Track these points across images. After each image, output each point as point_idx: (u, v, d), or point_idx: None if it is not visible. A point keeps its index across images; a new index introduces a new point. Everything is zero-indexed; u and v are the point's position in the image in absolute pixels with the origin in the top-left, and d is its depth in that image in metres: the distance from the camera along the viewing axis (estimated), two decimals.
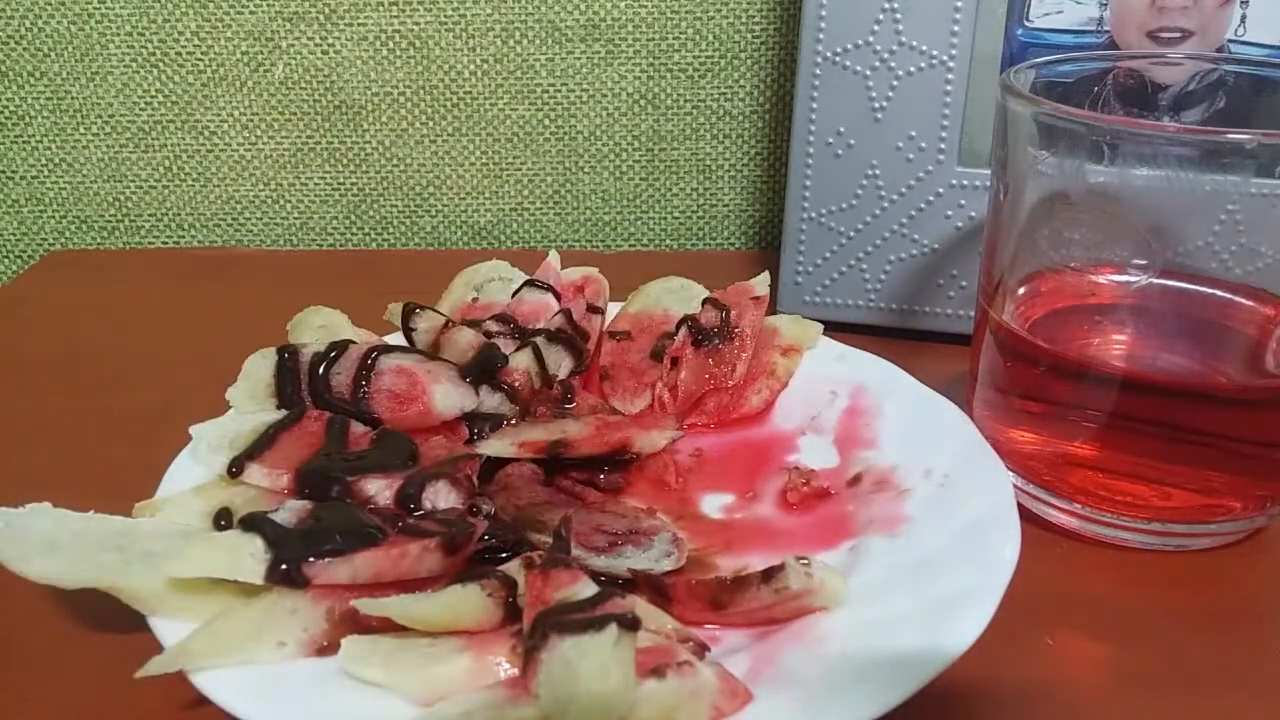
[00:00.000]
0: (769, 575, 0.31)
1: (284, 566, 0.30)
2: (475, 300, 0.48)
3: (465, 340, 0.43)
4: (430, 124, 0.66)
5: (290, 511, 0.33)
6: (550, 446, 0.39)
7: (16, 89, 0.65)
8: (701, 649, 0.30)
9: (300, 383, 0.39)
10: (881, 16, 0.48)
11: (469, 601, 0.30)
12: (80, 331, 0.57)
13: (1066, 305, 0.39)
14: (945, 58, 0.48)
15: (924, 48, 0.48)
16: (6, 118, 0.66)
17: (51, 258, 0.68)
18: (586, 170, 0.67)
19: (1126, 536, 0.37)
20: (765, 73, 0.64)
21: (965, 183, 0.50)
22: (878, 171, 0.51)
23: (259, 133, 0.66)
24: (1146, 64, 0.43)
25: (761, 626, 0.31)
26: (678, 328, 0.45)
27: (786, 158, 0.53)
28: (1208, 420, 0.36)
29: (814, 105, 0.51)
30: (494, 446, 0.39)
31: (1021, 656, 0.33)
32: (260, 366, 0.40)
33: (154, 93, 0.65)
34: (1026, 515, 0.36)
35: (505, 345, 0.43)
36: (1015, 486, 0.36)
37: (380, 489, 0.35)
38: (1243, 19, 0.46)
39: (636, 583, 0.33)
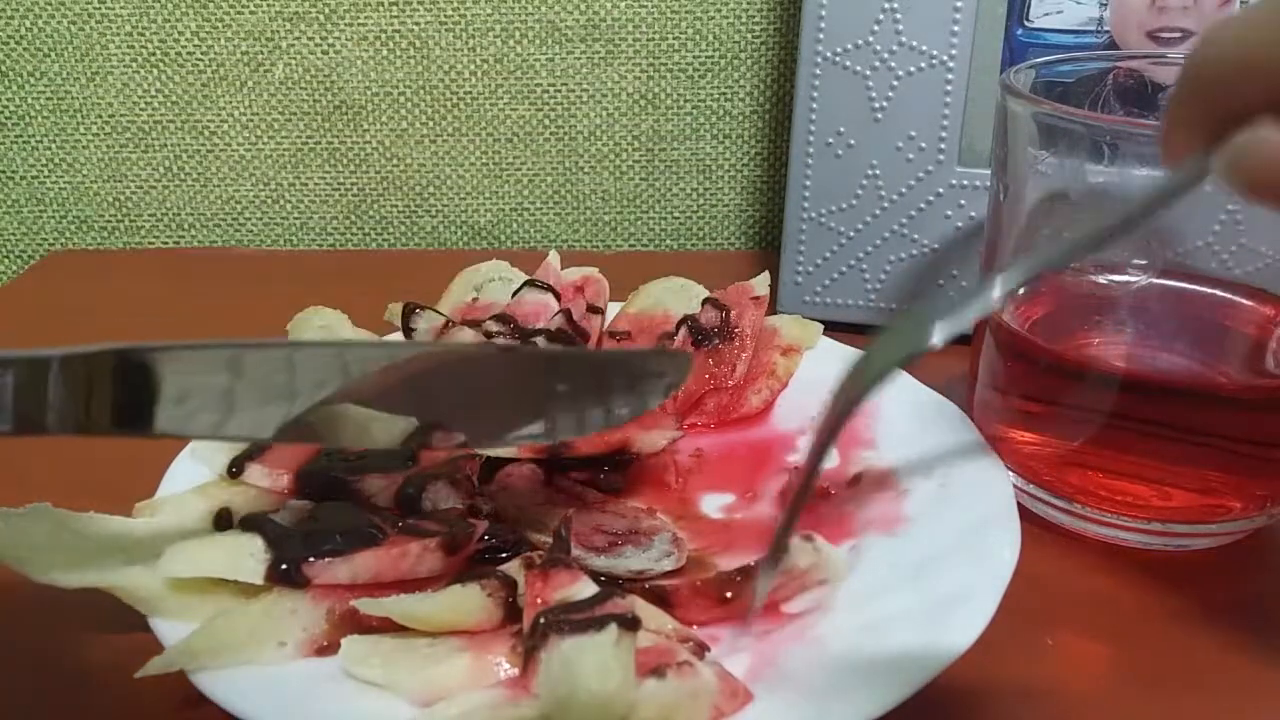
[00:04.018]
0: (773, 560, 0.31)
1: (284, 566, 0.30)
2: (475, 300, 0.48)
3: (465, 340, 0.43)
4: (430, 124, 0.66)
5: (290, 511, 0.33)
6: (550, 446, 0.39)
7: (16, 89, 0.65)
8: (701, 649, 0.30)
9: None
10: (881, 16, 0.48)
11: (469, 601, 0.30)
12: (80, 331, 0.57)
13: (1066, 305, 0.40)
14: (945, 58, 0.48)
15: (924, 48, 0.48)
16: (6, 118, 0.66)
17: (51, 258, 0.68)
18: (586, 170, 0.67)
19: (1126, 536, 0.37)
20: (765, 73, 0.64)
21: (965, 183, 0.50)
22: (878, 171, 0.51)
23: (259, 133, 0.66)
24: (1146, 64, 0.43)
25: (766, 616, 0.31)
26: (678, 328, 0.45)
27: (786, 158, 0.53)
28: (1208, 420, 0.36)
29: (814, 105, 0.51)
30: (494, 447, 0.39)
31: (1021, 656, 0.33)
32: None
33: (154, 93, 0.65)
34: (1026, 515, 0.36)
35: None
36: (1015, 486, 0.36)
37: (380, 489, 0.35)
38: None
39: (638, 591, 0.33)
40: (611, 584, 0.32)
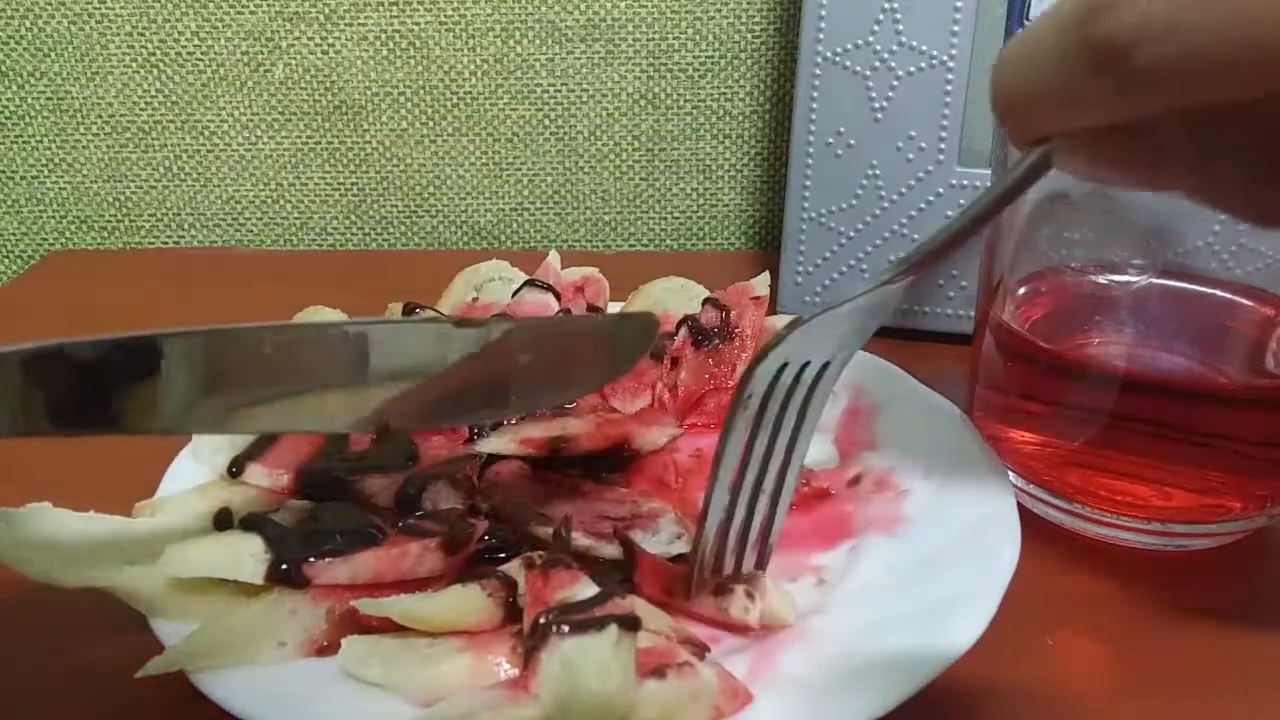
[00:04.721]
0: (719, 590, 0.31)
1: (284, 566, 0.30)
2: (475, 300, 0.48)
3: None
4: (430, 124, 0.66)
5: (290, 511, 0.33)
6: (551, 443, 0.39)
7: (16, 89, 0.65)
8: (701, 649, 0.30)
9: None
10: (881, 16, 0.48)
11: (469, 601, 0.30)
12: (80, 331, 0.56)
13: (1066, 305, 0.39)
14: (945, 58, 0.48)
15: (924, 48, 0.48)
16: (6, 118, 0.66)
17: (51, 258, 0.68)
18: (586, 170, 0.67)
19: (1126, 536, 0.37)
20: (765, 73, 0.64)
21: (965, 183, 0.50)
22: (878, 171, 0.51)
23: (259, 133, 0.66)
24: None
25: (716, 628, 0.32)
26: (678, 328, 0.45)
27: (786, 158, 0.53)
28: (1208, 420, 0.36)
29: (814, 105, 0.51)
30: (495, 444, 0.39)
31: (1021, 656, 0.33)
32: None
33: (154, 93, 0.65)
34: (1026, 515, 0.36)
35: None
36: (1015, 486, 0.36)
37: (380, 489, 0.35)
38: None
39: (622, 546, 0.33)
40: (618, 569, 0.32)
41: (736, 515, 0.31)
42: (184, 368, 0.28)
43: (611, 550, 0.33)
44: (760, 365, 0.28)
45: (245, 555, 0.30)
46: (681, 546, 0.34)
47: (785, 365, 0.29)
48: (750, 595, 0.31)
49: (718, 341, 0.44)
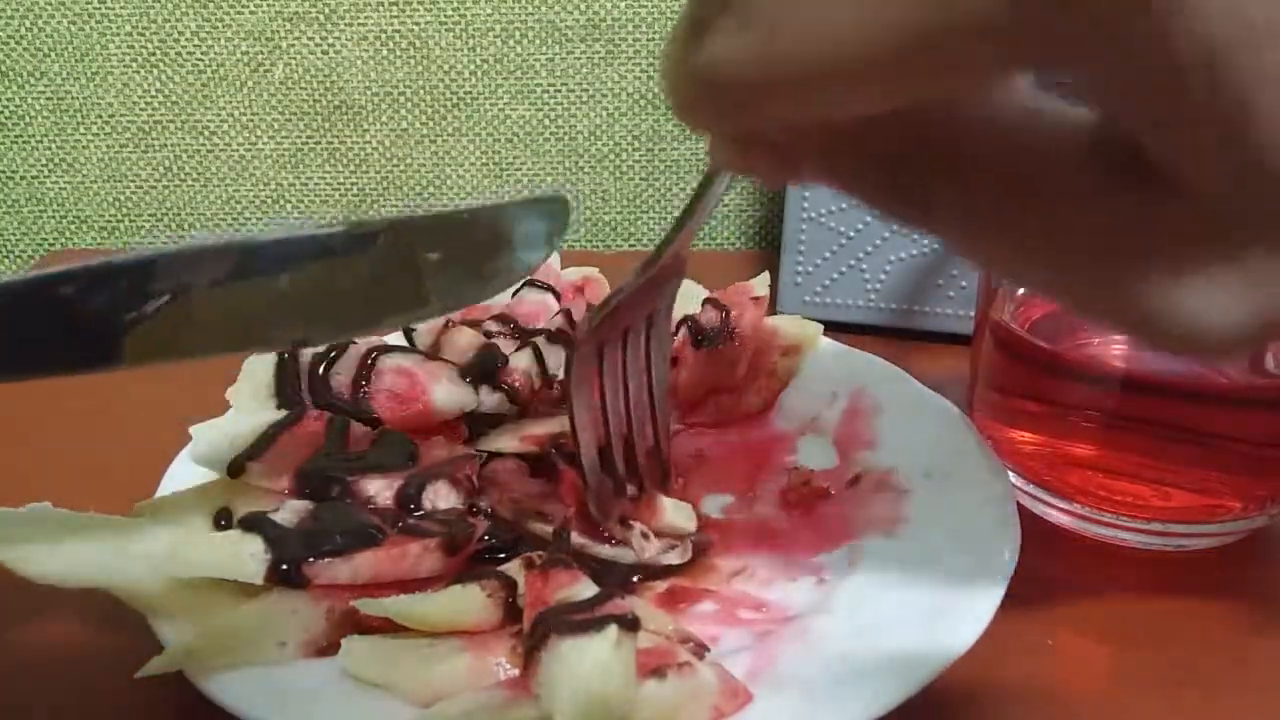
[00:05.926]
0: (624, 521, 0.34)
1: (284, 566, 0.30)
2: None
3: (465, 340, 0.43)
4: (430, 124, 0.66)
5: (290, 511, 0.33)
6: (552, 440, 0.39)
7: (16, 89, 0.65)
8: (701, 649, 0.30)
9: (300, 383, 0.39)
10: None
11: (469, 601, 0.30)
12: None
13: None
14: None
15: None
16: (6, 118, 0.66)
17: (51, 258, 0.68)
18: (586, 170, 0.67)
19: (1126, 536, 0.37)
20: None
21: None
22: None
23: (259, 133, 0.66)
24: None
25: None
26: (678, 328, 0.45)
27: None
28: (1208, 420, 0.36)
29: None
30: (497, 442, 0.39)
31: (1021, 656, 0.33)
32: (260, 366, 0.40)
33: (154, 93, 0.65)
34: (1026, 515, 0.36)
35: (505, 345, 0.43)
36: (1015, 486, 0.36)
37: (380, 489, 0.35)
38: None
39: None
40: (615, 568, 0.33)
41: (614, 450, 0.33)
42: (79, 304, 0.27)
43: (608, 552, 0.33)
44: (579, 354, 0.31)
45: (245, 555, 0.30)
46: (676, 558, 0.34)
47: (604, 343, 0.31)
48: (645, 535, 0.33)
49: (718, 342, 0.44)
